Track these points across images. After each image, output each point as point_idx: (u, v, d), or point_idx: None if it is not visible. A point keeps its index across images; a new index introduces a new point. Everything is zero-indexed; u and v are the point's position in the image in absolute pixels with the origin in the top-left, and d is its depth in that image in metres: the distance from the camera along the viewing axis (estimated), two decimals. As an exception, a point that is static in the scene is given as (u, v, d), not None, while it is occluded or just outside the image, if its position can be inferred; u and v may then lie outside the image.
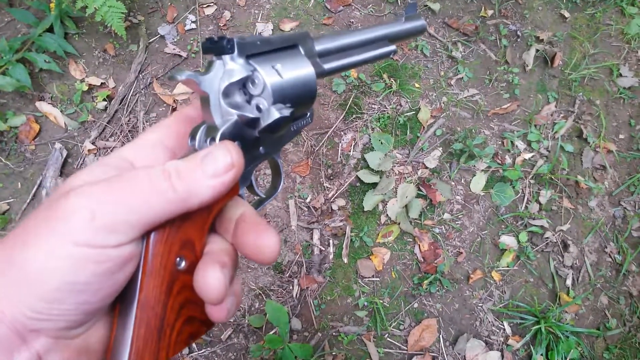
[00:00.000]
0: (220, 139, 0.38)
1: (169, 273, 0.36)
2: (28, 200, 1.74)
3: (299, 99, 0.43)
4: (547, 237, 1.93)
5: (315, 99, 0.46)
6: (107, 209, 0.32)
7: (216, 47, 0.39)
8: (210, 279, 0.36)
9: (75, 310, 0.32)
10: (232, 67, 0.39)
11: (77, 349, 0.35)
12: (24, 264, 0.31)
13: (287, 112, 0.40)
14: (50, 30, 1.86)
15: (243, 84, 0.40)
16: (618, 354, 1.83)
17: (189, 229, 0.37)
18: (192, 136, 0.39)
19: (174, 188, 0.34)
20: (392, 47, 0.58)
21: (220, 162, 0.36)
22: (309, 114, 0.48)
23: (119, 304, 0.35)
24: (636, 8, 2.32)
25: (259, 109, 0.41)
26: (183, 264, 0.37)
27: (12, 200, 1.76)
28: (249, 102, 0.41)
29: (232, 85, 0.39)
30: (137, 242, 0.34)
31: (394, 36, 0.59)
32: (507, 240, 1.89)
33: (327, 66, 0.48)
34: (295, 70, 0.43)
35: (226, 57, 0.39)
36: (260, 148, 0.44)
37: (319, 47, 0.48)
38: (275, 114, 0.39)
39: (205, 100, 0.39)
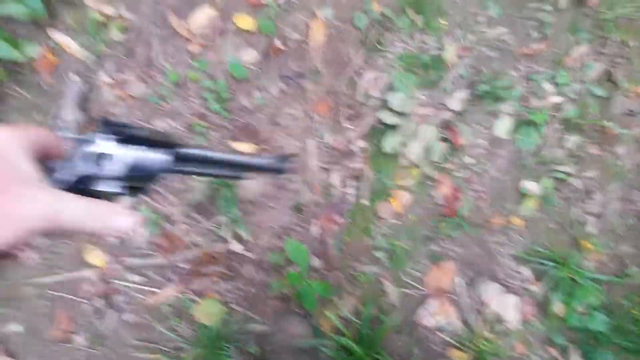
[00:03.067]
0: (75, 182, 0.51)
1: None
2: (44, 134, 1.71)
3: (140, 180, 0.56)
4: (571, 184, 1.89)
5: (148, 187, 0.58)
6: (59, 218, 0.44)
7: (101, 125, 0.53)
8: None
9: None
10: (105, 143, 0.52)
11: None
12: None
13: (120, 190, 0.54)
14: (60, -45, 1.77)
15: (102, 154, 0.52)
16: (637, 302, 1.83)
17: None
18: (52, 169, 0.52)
19: None
20: (240, 175, 0.71)
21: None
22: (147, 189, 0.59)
23: None
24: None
25: (106, 176, 0.53)
26: None
27: (28, 133, 1.73)
28: (108, 169, 0.53)
29: (98, 154, 0.52)
30: None
31: (251, 167, 0.72)
32: (530, 185, 1.86)
33: (177, 167, 0.60)
34: (150, 161, 0.56)
35: (102, 135, 0.53)
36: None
37: (181, 150, 0.60)
38: (111, 188, 0.53)
39: (69, 153, 0.52)
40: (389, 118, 1.83)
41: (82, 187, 0.52)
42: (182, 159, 0.60)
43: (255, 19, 1.84)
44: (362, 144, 1.82)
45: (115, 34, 1.78)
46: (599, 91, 1.97)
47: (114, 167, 0.53)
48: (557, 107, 1.95)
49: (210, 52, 1.82)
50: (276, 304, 1.66)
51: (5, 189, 0.41)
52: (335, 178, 1.78)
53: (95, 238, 1.66)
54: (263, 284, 1.66)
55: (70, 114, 1.69)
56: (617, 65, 2.03)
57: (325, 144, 1.79)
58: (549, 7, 2.03)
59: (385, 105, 1.85)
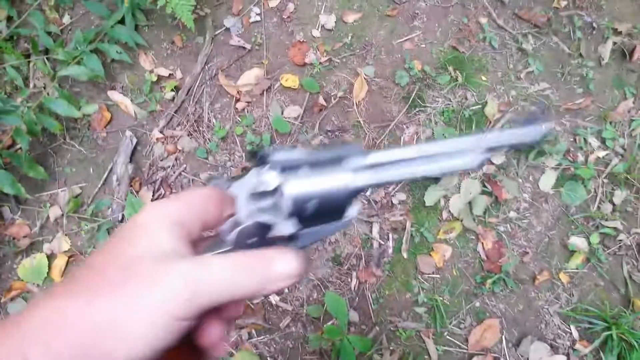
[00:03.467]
0: (236, 238, 0.42)
1: None
2: (99, 185, 1.82)
3: (323, 213, 0.43)
4: (621, 240, 1.82)
5: (343, 212, 0.45)
6: (202, 289, 0.35)
7: (254, 159, 0.43)
8: None
9: None
10: (264, 177, 0.41)
11: None
12: (110, 320, 0.32)
13: (295, 229, 0.42)
14: (122, 22, 1.92)
15: (273, 191, 0.42)
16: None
17: None
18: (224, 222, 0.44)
19: (253, 278, 0.38)
20: (482, 157, 0.48)
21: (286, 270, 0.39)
22: (344, 220, 0.46)
23: None
24: None
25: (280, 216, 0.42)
26: None
27: (84, 184, 1.84)
28: (275, 208, 0.42)
29: (258, 193, 0.42)
30: None
31: (494, 147, 0.49)
32: (577, 241, 1.80)
33: (376, 181, 0.46)
34: (327, 185, 0.43)
35: (259, 168, 0.42)
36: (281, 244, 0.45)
37: (371, 160, 0.45)
38: (285, 229, 0.42)
39: (235, 200, 0.44)
40: (429, 172, 1.84)
41: (251, 240, 0.43)
42: (372, 167, 0.46)
43: (300, 77, 1.93)
44: (402, 196, 1.83)
45: (168, 93, 1.91)
46: (648, 145, 1.93)
47: (284, 205, 0.41)
48: (603, 162, 1.91)
49: (255, 108, 1.91)
50: (313, 358, 1.65)
51: (135, 273, 0.34)
52: (375, 230, 1.79)
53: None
54: (300, 338, 1.65)
55: (123, 168, 1.80)
56: (666, 119, 1.99)
57: (365, 196, 1.82)
58: (591, 63, 2.03)
59: (426, 159, 1.87)
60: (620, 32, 2.09)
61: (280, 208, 0.41)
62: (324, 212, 0.43)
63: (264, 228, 0.42)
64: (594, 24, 2.10)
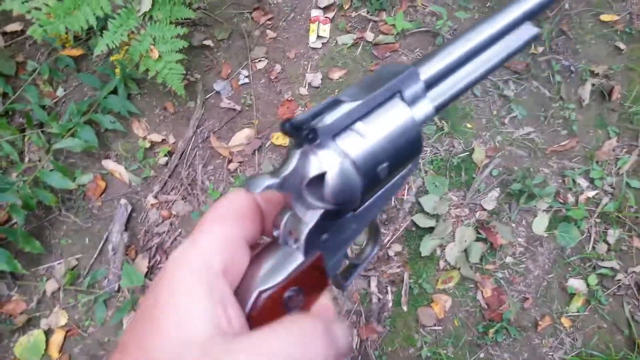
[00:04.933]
0: (306, 239, 0.35)
1: None
2: (95, 255, 1.82)
3: (395, 167, 0.38)
4: (619, 280, 1.82)
5: (421, 150, 0.39)
6: None
7: (297, 138, 0.33)
8: None
9: None
10: (317, 157, 0.34)
11: None
12: None
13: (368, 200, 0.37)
14: (114, 92, 1.98)
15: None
16: None
17: None
18: (276, 225, 0.36)
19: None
20: (534, 30, 0.43)
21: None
22: (413, 163, 0.41)
23: None
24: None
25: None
26: None
27: (80, 255, 1.84)
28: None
29: (315, 179, 0.34)
30: None
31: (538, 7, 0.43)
32: (576, 283, 1.80)
33: (439, 101, 0.40)
34: (392, 136, 0.36)
35: (305, 148, 0.34)
36: (353, 225, 0.40)
37: (425, 75, 0.39)
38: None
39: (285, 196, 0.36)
40: (423, 221, 1.86)
41: (325, 237, 0.37)
42: (434, 82, 0.40)
43: (290, 136, 1.97)
44: (398, 248, 1.84)
45: (161, 158, 1.94)
46: (636, 183, 1.95)
47: (354, 180, 0.35)
48: (594, 202, 1.93)
49: (248, 168, 1.94)
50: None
51: None
52: (373, 285, 1.78)
53: None
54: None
55: (118, 237, 1.80)
56: (652, 155, 2.03)
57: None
58: (572, 105, 2.08)
59: (419, 209, 1.89)
60: (598, 74, 2.16)
61: (350, 185, 0.35)
62: (396, 166, 0.38)
63: (334, 215, 0.36)
64: (572, 68, 2.17)
